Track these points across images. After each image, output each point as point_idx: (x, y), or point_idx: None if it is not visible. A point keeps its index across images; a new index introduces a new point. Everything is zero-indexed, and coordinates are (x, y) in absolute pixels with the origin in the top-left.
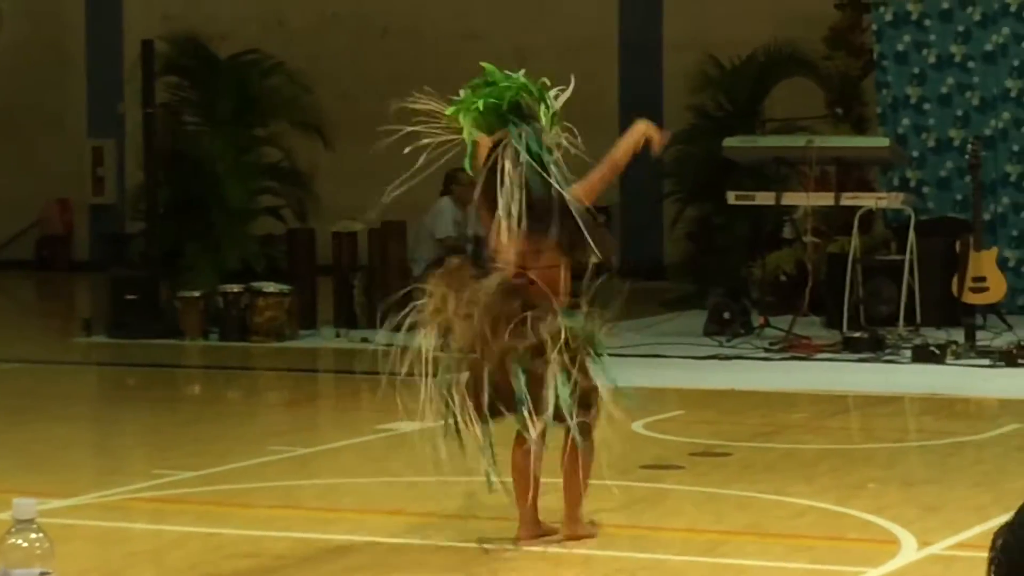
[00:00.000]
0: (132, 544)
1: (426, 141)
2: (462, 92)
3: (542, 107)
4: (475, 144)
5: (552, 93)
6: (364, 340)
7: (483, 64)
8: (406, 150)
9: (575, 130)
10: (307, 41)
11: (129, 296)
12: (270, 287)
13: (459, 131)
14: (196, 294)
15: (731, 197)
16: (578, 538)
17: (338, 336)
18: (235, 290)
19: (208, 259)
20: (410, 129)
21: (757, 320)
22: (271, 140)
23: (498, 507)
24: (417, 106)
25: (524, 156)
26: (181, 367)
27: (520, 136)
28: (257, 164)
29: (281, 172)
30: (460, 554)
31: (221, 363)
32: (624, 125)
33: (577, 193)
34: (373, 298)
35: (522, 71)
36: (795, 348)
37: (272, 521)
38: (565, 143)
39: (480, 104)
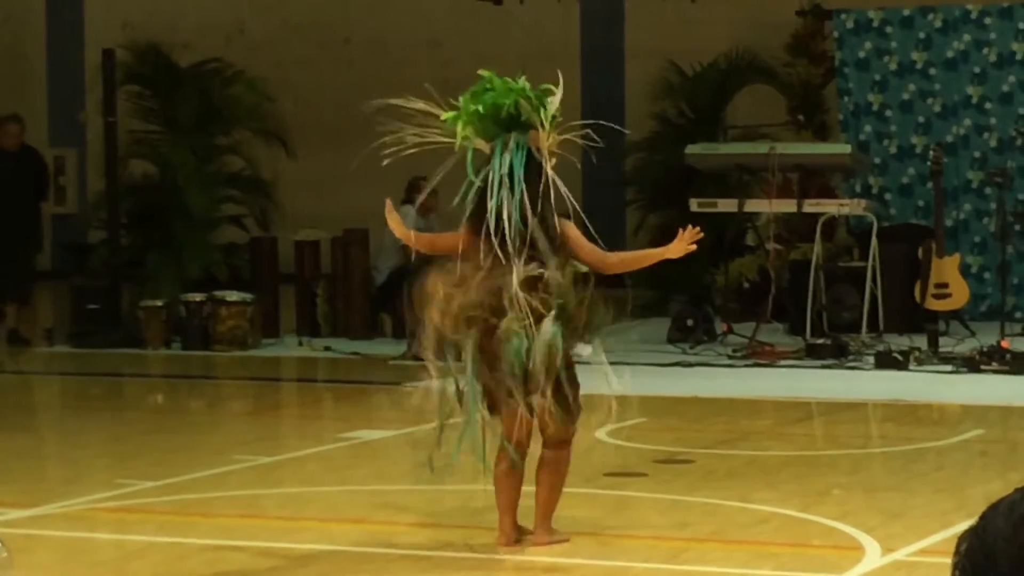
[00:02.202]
0: (94, 554)
1: (414, 143)
2: (461, 98)
3: (541, 112)
4: (475, 151)
5: (550, 100)
6: (327, 348)
7: (481, 72)
8: (385, 153)
9: (592, 133)
10: (269, 49)
11: (91, 305)
12: (232, 296)
13: (452, 136)
14: (158, 303)
15: (694, 204)
16: (549, 544)
17: (301, 344)
18: (197, 299)
19: (170, 268)
20: (410, 132)
21: (720, 327)
22: (233, 149)
23: (458, 513)
24: (414, 106)
25: (496, 174)
26: (143, 376)
27: (501, 153)
28: (219, 173)
29: (243, 181)
30: (424, 562)
31: (184, 372)
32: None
33: (572, 233)
34: (336, 306)
35: (523, 77)
36: (758, 355)
37: (235, 530)
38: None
39: (480, 109)
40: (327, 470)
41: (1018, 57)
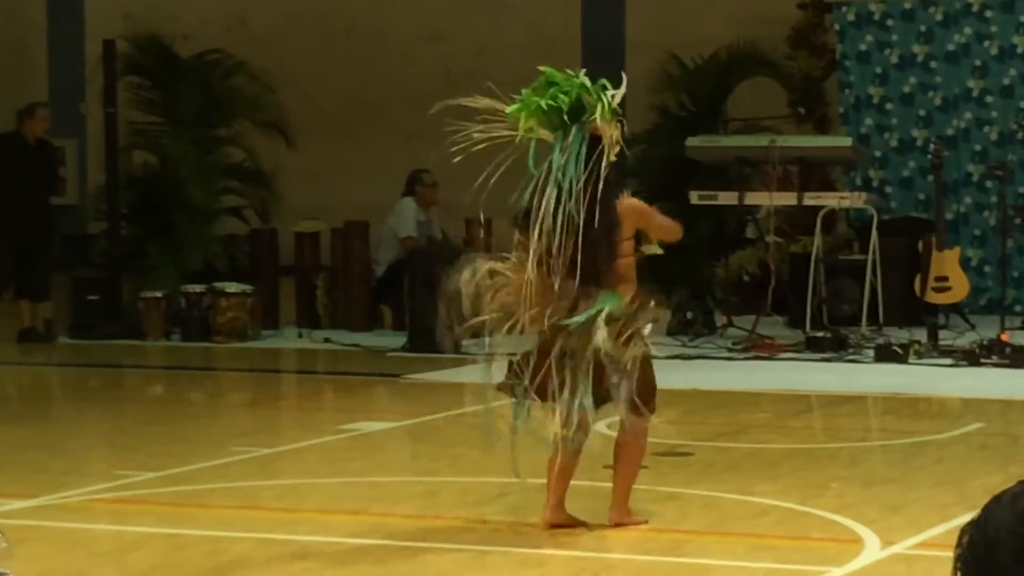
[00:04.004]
0: (93, 545)
1: (480, 139)
2: (523, 92)
3: (600, 106)
4: (538, 143)
5: (610, 93)
6: (327, 340)
7: (542, 68)
8: (454, 150)
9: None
10: (270, 41)
11: (91, 297)
12: (232, 287)
13: (516, 130)
14: (158, 295)
15: (694, 197)
16: (624, 525)
17: (300, 336)
18: (197, 290)
19: (170, 259)
20: (475, 129)
21: (720, 320)
22: (234, 140)
23: (456, 505)
24: (478, 104)
25: (557, 164)
26: (143, 368)
27: (562, 144)
28: (219, 164)
29: (244, 172)
30: (422, 554)
31: (183, 364)
32: None
33: (638, 208)
34: (336, 298)
35: (583, 71)
36: (758, 348)
37: (234, 522)
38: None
39: (543, 104)
40: (326, 462)
41: (1019, 50)
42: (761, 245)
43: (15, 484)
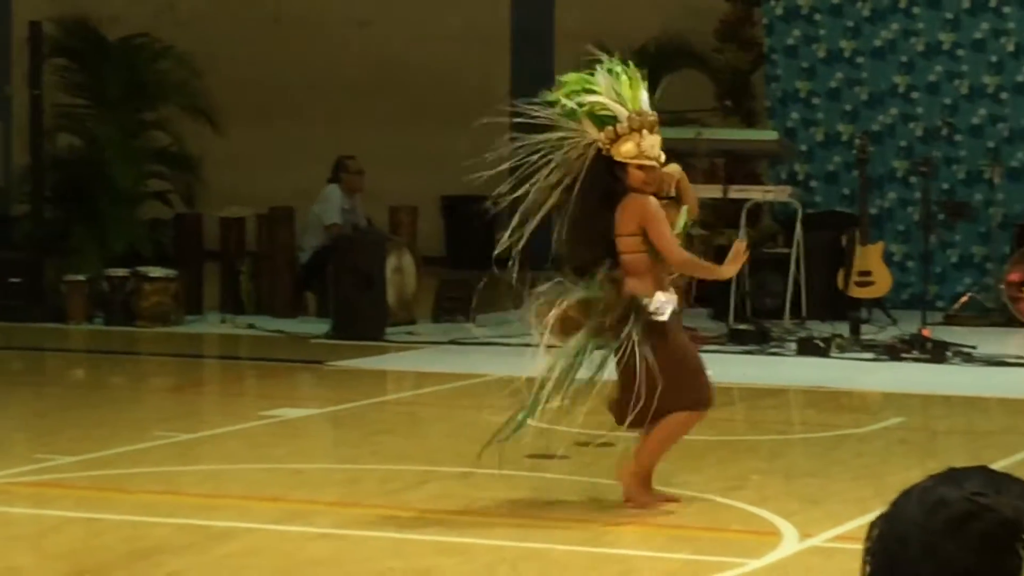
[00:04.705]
0: (11, 528)
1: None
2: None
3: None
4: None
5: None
6: (251, 326)
7: (561, 78)
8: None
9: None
10: (198, 26)
11: (13, 279)
12: (156, 272)
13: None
14: (81, 278)
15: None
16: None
17: (224, 322)
18: (121, 274)
19: (94, 243)
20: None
21: None
22: (160, 124)
23: (377, 492)
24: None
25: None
26: (65, 351)
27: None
28: (145, 148)
29: (169, 156)
30: (341, 541)
31: (106, 348)
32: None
33: (651, 214)
34: (260, 284)
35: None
36: None
37: (154, 507)
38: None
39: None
40: (248, 447)
41: (945, 47)
42: (685, 237)
43: None
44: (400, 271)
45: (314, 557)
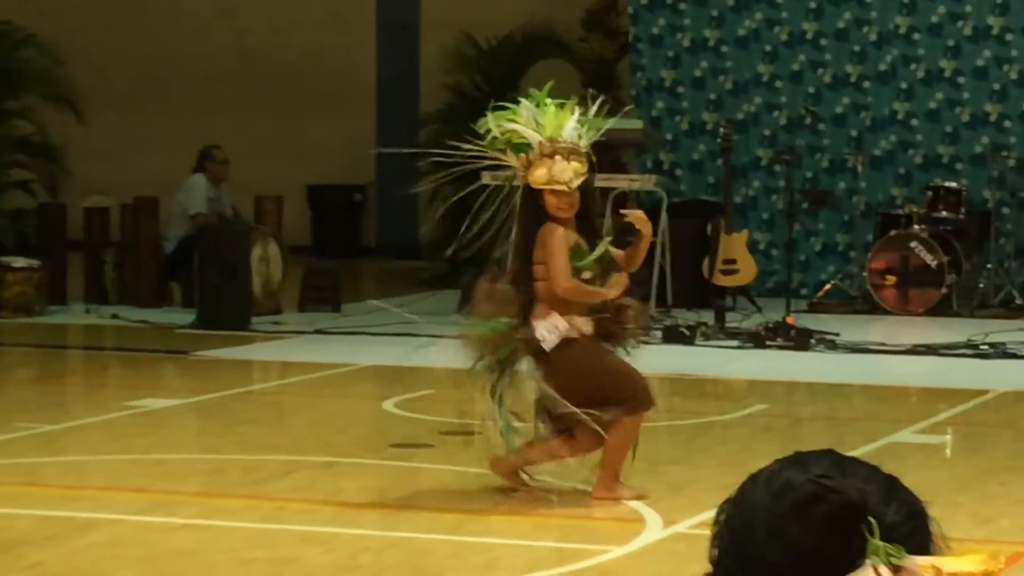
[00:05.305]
0: None
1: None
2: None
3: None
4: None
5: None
6: (115, 316)
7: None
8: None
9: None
10: (60, 14)
11: None
12: (19, 262)
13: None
14: None
15: (486, 177)
16: (605, 499)
17: (88, 312)
18: None
19: None
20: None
21: None
22: (22, 113)
23: (241, 483)
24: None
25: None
26: None
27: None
28: (7, 137)
29: (32, 146)
30: (205, 531)
31: None
32: (381, 104)
33: (551, 242)
34: (124, 274)
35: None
36: None
37: (15, 498)
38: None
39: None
40: (111, 438)
41: (808, 36)
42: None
43: None
44: (266, 260)
45: (177, 547)
